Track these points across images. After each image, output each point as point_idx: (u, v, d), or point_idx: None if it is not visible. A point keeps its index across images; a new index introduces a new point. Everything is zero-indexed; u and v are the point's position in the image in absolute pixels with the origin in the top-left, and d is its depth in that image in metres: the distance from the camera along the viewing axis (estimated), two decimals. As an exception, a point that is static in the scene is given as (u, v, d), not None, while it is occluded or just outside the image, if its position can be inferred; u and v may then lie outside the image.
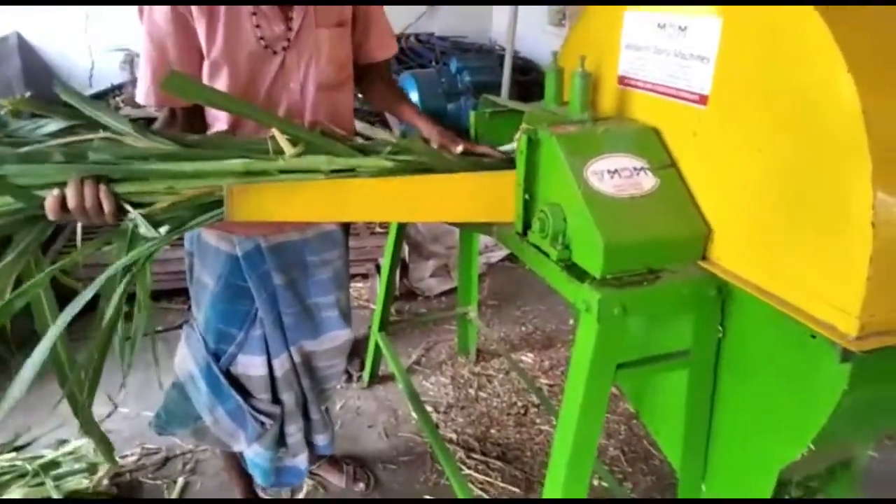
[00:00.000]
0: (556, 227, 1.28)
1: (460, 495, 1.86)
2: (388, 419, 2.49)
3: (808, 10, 1.01)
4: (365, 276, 3.46)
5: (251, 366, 1.62)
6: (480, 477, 2.17)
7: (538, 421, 2.46)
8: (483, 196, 1.38)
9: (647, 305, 1.22)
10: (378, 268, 3.39)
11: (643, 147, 1.32)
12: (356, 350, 2.76)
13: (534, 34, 4.56)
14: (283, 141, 1.29)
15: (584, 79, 1.39)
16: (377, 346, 2.60)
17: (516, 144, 1.36)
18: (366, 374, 2.69)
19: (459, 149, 1.47)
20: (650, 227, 1.23)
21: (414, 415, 2.48)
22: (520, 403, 2.55)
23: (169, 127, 1.50)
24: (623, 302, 1.16)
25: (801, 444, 1.12)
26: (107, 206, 1.14)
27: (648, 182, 1.28)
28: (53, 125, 1.22)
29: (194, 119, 1.49)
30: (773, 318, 1.12)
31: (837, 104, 0.97)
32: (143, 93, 1.44)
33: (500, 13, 5.15)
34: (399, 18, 4.24)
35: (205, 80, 1.41)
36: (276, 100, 1.47)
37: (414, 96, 3.78)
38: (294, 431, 1.74)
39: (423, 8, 5.06)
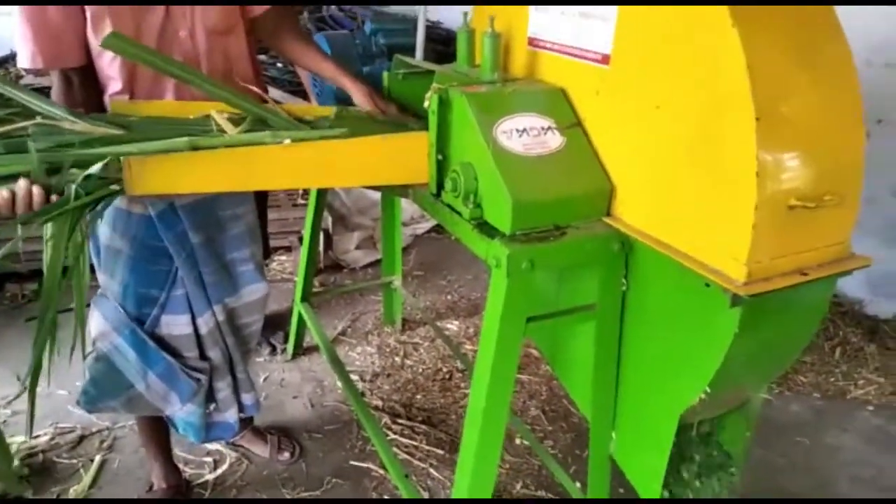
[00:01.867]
0: (468, 186, 1.30)
1: (383, 457, 1.88)
2: (314, 390, 2.48)
3: (699, -31, 1.05)
4: (288, 249, 3.40)
5: (175, 325, 1.61)
6: (406, 441, 2.20)
7: (462, 385, 2.50)
8: (397, 158, 1.38)
9: (554, 260, 1.25)
10: (301, 240, 3.34)
11: (551, 107, 1.35)
12: (279, 323, 2.75)
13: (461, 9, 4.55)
14: (222, 121, 1.30)
15: (493, 39, 1.40)
16: (300, 318, 2.58)
17: (427, 104, 1.36)
18: (290, 346, 2.66)
19: (393, 111, 1.49)
20: (557, 185, 1.26)
21: (339, 384, 2.48)
22: (445, 369, 2.58)
23: (66, 93, 1.45)
24: (530, 256, 1.19)
25: (699, 388, 1.18)
26: (38, 200, 1.14)
27: (555, 141, 1.31)
28: None
29: (88, 82, 1.45)
30: (671, 269, 1.18)
31: (724, 59, 1.01)
32: (28, 56, 1.38)
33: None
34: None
35: (90, 40, 1.37)
36: (167, 51, 1.44)
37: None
38: (223, 387, 1.74)
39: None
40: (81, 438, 2.16)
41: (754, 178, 0.99)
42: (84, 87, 1.46)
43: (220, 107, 1.40)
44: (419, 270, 3.38)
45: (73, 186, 1.13)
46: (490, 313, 1.26)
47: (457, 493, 1.41)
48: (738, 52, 0.99)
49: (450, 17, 4.71)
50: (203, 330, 1.64)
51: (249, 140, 1.30)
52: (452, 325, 2.93)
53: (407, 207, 3.54)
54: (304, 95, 3.77)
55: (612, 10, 1.22)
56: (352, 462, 2.12)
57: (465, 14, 1.51)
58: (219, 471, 2.06)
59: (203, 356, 1.68)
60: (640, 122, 1.20)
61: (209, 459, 2.10)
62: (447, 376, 2.55)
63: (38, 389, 2.34)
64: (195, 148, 1.24)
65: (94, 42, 1.41)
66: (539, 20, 1.43)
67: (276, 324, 2.77)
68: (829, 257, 1.13)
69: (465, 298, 3.15)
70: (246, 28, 1.59)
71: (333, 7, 4.86)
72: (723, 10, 1.01)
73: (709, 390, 1.18)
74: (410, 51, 3.64)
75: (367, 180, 1.41)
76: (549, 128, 1.32)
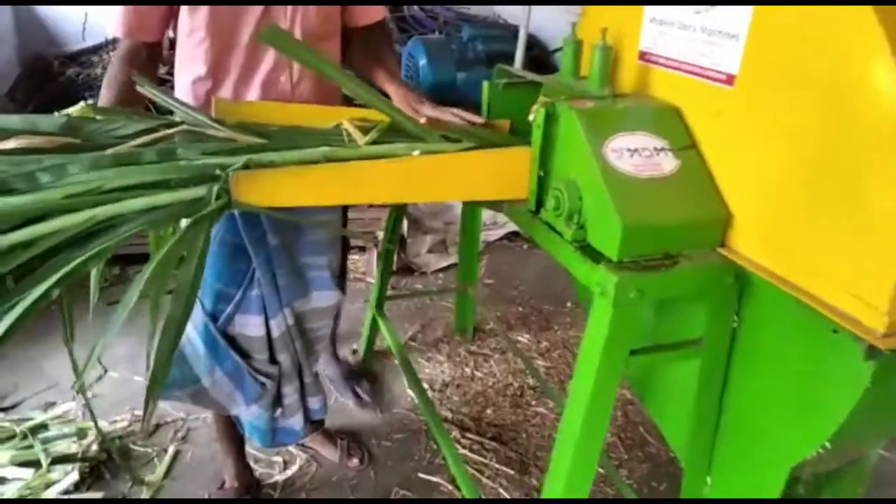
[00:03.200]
0: (572, 205, 1.23)
1: (456, 474, 1.83)
2: (384, 396, 2.46)
3: (854, -13, 0.95)
4: (362, 249, 3.40)
5: (249, 326, 1.60)
6: (475, 457, 2.15)
7: (534, 403, 2.43)
8: (497, 173, 1.33)
9: (664, 290, 1.18)
10: (376, 241, 3.34)
11: (664, 126, 1.27)
12: (365, 372, 2.61)
13: (538, 11, 4.49)
14: (353, 130, 1.32)
15: (604, 52, 1.33)
16: (373, 323, 2.56)
17: (533, 117, 1.31)
18: (361, 350, 2.65)
19: (423, 119, 1.44)
20: (669, 210, 1.18)
21: (409, 392, 2.45)
22: (516, 384, 2.52)
23: (130, 62, 1.48)
24: (639, 286, 1.12)
25: (817, 442, 1.09)
26: None
27: (669, 163, 1.23)
28: (128, 127, 1.25)
29: (152, 58, 1.53)
30: (792, 309, 1.08)
31: (877, 93, 0.92)
32: (116, 25, 1.46)
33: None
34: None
35: (181, 18, 1.42)
36: (261, 46, 1.43)
37: (423, 63, 3.69)
38: (290, 392, 1.72)
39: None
40: (157, 427, 2.20)
41: (908, 222, 0.89)
42: (149, 62, 1.51)
43: (332, 114, 1.39)
44: (490, 279, 3.32)
45: (215, 188, 1.14)
46: (590, 344, 1.19)
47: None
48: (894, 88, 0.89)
49: (544, 23, 4.65)
50: (275, 333, 1.62)
51: (383, 152, 1.29)
52: (523, 338, 2.86)
53: (483, 212, 3.50)
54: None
55: (741, 27, 1.13)
56: (420, 474, 2.08)
57: (573, 24, 1.45)
58: (288, 472, 2.06)
59: (273, 359, 1.66)
60: (766, 149, 1.11)
61: (279, 460, 2.10)
62: (518, 392, 2.48)
63: (116, 376, 2.43)
64: (330, 159, 1.25)
65: (188, 23, 1.45)
66: (654, 34, 1.35)
67: (361, 372, 2.62)
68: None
69: (536, 311, 3.08)
70: (343, 37, 1.58)
71: (415, 7, 4.85)
72: (879, 39, 0.91)
73: (829, 445, 1.08)
74: (508, 58, 3.59)
75: (469, 195, 1.37)
76: (663, 149, 1.24)
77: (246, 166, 1.18)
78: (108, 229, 1.11)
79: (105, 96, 1.47)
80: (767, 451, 1.20)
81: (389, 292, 2.97)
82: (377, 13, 1.65)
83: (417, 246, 3.50)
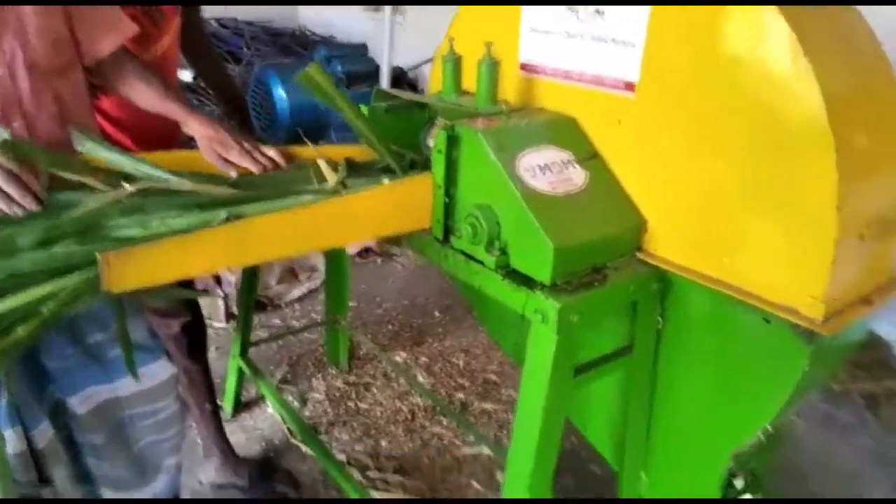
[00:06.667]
0: (491, 231, 1.17)
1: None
2: (265, 451, 2.23)
3: (752, -8, 0.98)
4: (204, 291, 3.07)
5: None
6: (382, 496, 2.02)
7: (428, 424, 2.35)
8: (404, 206, 1.22)
9: (601, 307, 1.16)
10: (218, 280, 3.04)
11: (565, 138, 1.25)
12: (276, 465, 2.20)
13: (343, 16, 4.42)
14: (325, 169, 1.28)
15: (491, 67, 1.28)
16: (239, 372, 2.32)
17: (433, 142, 1.22)
18: (228, 404, 2.38)
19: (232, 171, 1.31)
20: (592, 224, 1.16)
21: (294, 441, 2.25)
22: (405, 409, 2.42)
23: None
24: (580, 308, 1.09)
25: (758, 427, 1.13)
26: None
27: (579, 176, 1.21)
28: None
29: None
30: (719, 305, 1.11)
31: (791, 93, 0.96)
32: None
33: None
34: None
35: None
36: None
37: (279, 91, 3.41)
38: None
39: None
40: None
41: (835, 213, 0.94)
42: None
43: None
44: (351, 301, 3.17)
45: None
46: (535, 371, 1.13)
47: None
48: (813, 84, 0.93)
49: (339, 30, 4.53)
50: (40, 443, 1.29)
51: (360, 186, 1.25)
52: (400, 357, 2.77)
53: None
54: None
55: (638, 34, 1.13)
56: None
57: (450, 39, 1.37)
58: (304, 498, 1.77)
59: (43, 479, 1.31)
60: (680, 153, 1.12)
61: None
62: (409, 416, 2.38)
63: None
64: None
65: None
66: (535, 44, 1.32)
67: (273, 465, 2.19)
68: (882, 281, 1.11)
69: (406, 326, 2.99)
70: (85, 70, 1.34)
71: (215, 23, 4.51)
72: (787, 31, 0.94)
73: (770, 428, 1.13)
74: (369, 78, 3.43)
75: (374, 234, 1.24)
76: (570, 161, 1.21)
77: (229, 218, 1.09)
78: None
79: None
80: (706, 440, 1.24)
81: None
82: (107, 45, 1.35)
83: (265, 277, 3.24)
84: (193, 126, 1.33)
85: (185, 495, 1.99)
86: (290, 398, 2.49)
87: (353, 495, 1.79)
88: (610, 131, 1.23)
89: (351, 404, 2.46)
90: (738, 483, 1.36)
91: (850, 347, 1.22)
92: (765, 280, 1.04)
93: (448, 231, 1.27)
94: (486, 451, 2.22)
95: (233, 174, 1.28)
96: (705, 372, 1.20)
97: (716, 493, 1.24)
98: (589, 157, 1.24)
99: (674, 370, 1.26)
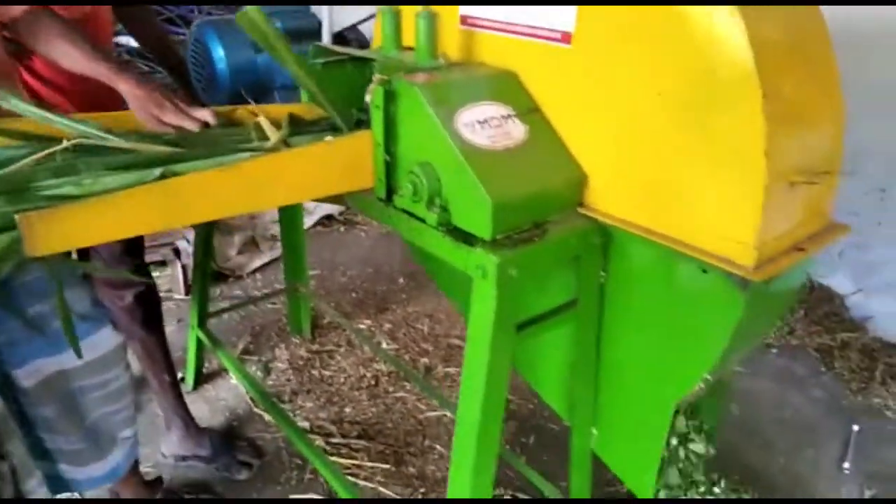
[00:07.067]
0: (431, 188, 1.15)
1: (334, 485, 1.71)
2: (228, 422, 2.22)
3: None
4: (162, 263, 3.03)
5: None
6: (346, 461, 2.03)
7: (392, 389, 2.36)
8: (343, 165, 1.20)
9: (541, 261, 1.15)
10: (177, 252, 3.00)
11: (505, 92, 1.23)
12: (237, 433, 2.21)
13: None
14: (267, 126, 1.26)
15: (430, 20, 1.25)
16: (199, 343, 2.30)
17: (370, 98, 1.19)
18: (190, 376, 2.37)
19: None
20: (532, 178, 1.15)
21: (257, 411, 2.25)
22: (369, 375, 2.42)
23: None
24: (519, 262, 1.08)
25: (700, 375, 1.14)
26: None
27: (518, 130, 1.19)
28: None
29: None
30: (659, 257, 1.12)
31: (725, 37, 0.94)
32: None
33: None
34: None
35: None
36: None
37: (218, 50, 3.29)
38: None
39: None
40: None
41: (763, 158, 0.94)
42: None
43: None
44: (315, 269, 3.15)
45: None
46: (478, 328, 1.13)
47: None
48: (741, 27, 0.92)
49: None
50: None
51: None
52: (364, 324, 2.76)
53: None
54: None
55: (573, -17, 1.11)
56: (291, 496, 1.92)
57: (391, -8, 1.34)
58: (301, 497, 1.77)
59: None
60: (614, 105, 1.11)
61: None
62: (373, 382, 2.39)
63: None
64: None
65: None
66: (475, -4, 1.30)
67: (235, 434, 2.19)
68: (816, 229, 1.12)
69: (370, 294, 2.98)
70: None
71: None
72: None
73: (710, 377, 1.14)
74: (311, 35, 3.31)
75: (314, 194, 1.22)
76: (509, 115, 1.20)
77: (163, 176, 1.05)
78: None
79: None
80: (651, 392, 1.25)
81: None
82: (16, 4, 1.30)
83: (225, 248, 3.20)
84: (123, 87, 1.28)
85: (148, 468, 1.99)
86: (254, 368, 2.48)
87: (316, 462, 1.79)
88: (548, 84, 1.21)
89: (315, 372, 2.46)
90: (695, 446, 1.40)
91: (789, 295, 1.23)
92: (700, 230, 1.04)
93: (391, 190, 1.26)
94: (449, 414, 2.24)
95: (170, 131, 1.25)
96: (648, 324, 1.21)
97: (661, 446, 1.26)
98: (529, 111, 1.22)
99: (618, 323, 1.27)
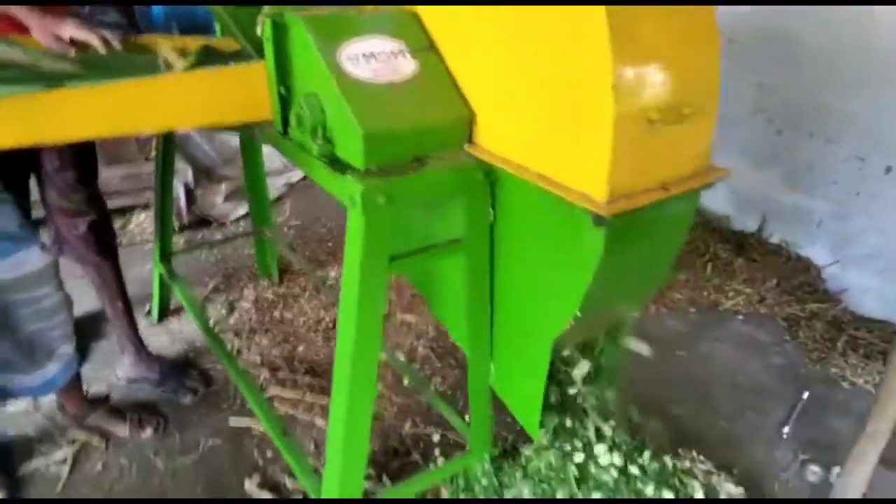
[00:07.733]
0: (315, 119, 1.18)
1: (260, 416, 1.78)
2: (185, 352, 2.32)
3: None
4: (146, 207, 3.13)
5: None
6: (290, 395, 2.10)
7: (346, 333, 2.41)
8: (236, 93, 1.23)
9: (414, 193, 1.17)
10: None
11: (401, 30, 1.24)
12: (189, 362, 2.32)
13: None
14: (171, 53, 1.29)
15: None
16: (162, 278, 2.38)
17: (260, 30, 1.22)
18: (155, 309, 2.46)
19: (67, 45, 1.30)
20: (412, 113, 1.17)
21: (213, 343, 2.33)
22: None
23: None
24: (387, 191, 1.10)
25: (569, 313, 1.16)
26: None
27: (408, 66, 1.20)
28: None
29: None
30: (534, 195, 1.13)
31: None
32: None
33: None
34: None
35: None
36: None
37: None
38: None
39: None
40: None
41: (611, 92, 0.94)
42: None
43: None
44: (297, 220, 3.22)
45: None
46: (350, 255, 1.17)
47: (330, 444, 1.34)
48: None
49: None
50: None
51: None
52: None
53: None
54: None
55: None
56: (230, 422, 2.00)
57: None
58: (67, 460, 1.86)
59: None
60: (496, 45, 1.12)
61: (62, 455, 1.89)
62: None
63: None
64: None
65: None
66: (383, -68, 1.30)
67: (189, 364, 2.31)
68: (690, 171, 1.11)
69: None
70: None
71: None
72: None
73: (579, 314, 1.16)
74: None
75: (201, 121, 1.25)
76: (401, 51, 1.21)
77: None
78: None
79: None
80: (531, 329, 1.28)
81: (183, 246, 2.79)
82: None
83: (211, 196, 3.28)
84: (23, 15, 1.32)
85: (102, 388, 2.09)
86: (219, 306, 2.56)
87: (250, 399, 1.86)
88: (445, 25, 1.22)
89: (276, 314, 2.53)
90: (576, 372, 1.42)
91: (670, 234, 1.22)
92: (565, 168, 1.05)
93: (287, 123, 1.29)
94: (401, 357, 2.29)
95: (71, 53, 1.28)
96: (527, 261, 1.23)
97: (543, 380, 1.28)
98: (423, 48, 1.23)
99: (504, 260, 1.29)
